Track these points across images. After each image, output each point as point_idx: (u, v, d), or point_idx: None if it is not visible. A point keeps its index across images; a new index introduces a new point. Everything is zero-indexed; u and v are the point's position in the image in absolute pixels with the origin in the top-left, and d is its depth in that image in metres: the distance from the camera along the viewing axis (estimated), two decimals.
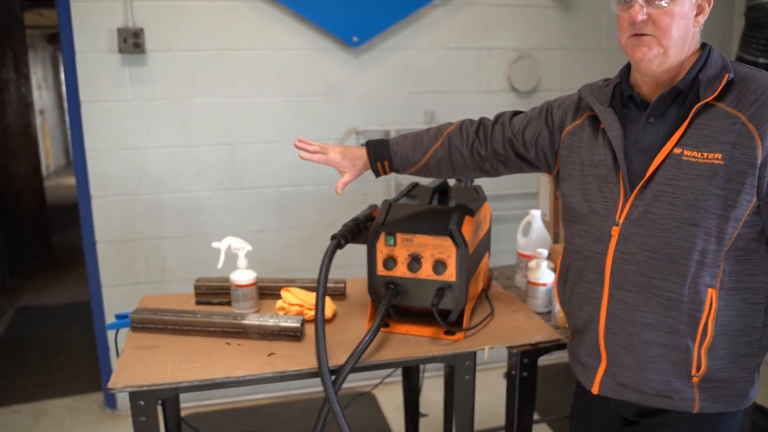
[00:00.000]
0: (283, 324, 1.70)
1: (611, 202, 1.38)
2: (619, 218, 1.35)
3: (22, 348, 3.85)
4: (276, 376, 1.57)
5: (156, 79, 2.77)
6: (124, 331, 1.81)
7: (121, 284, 2.93)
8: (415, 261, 1.69)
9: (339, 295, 1.99)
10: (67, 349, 3.80)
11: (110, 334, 2.90)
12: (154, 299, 2.00)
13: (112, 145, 2.79)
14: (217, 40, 2.80)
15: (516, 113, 1.69)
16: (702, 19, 1.30)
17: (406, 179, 3.14)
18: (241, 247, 1.88)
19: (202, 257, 2.98)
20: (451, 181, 2.12)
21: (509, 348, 1.72)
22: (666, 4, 1.26)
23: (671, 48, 1.28)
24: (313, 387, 3.20)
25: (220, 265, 1.87)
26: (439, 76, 3.09)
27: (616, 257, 1.36)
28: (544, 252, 1.97)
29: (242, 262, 1.88)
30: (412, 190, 1.98)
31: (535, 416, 2.90)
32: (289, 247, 3.05)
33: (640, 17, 1.27)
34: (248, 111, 2.90)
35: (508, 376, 1.79)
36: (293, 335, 1.69)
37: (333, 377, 1.54)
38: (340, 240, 1.74)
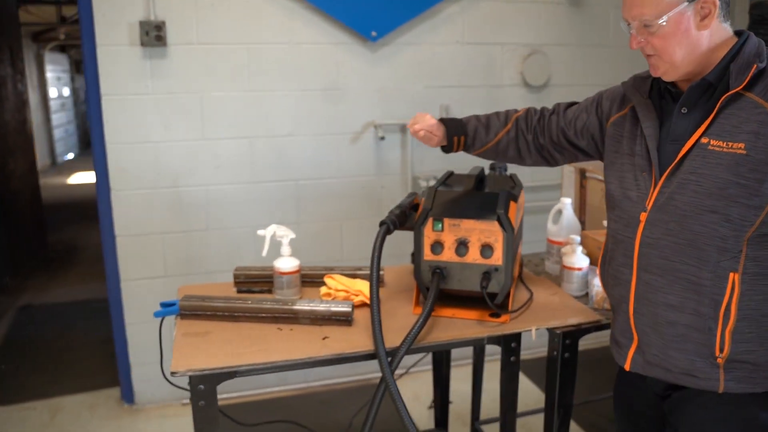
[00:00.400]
0: (334, 309, 1.73)
1: (643, 190, 1.43)
2: (648, 204, 1.41)
3: (28, 346, 3.82)
4: (334, 358, 1.60)
5: (176, 72, 2.77)
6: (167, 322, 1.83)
7: (139, 278, 2.92)
8: (462, 245, 1.73)
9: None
10: (76, 346, 3.78)
11: (144, 326, 2.90)
12: (194, 289, 2.00)
13: (131, 139, 2.79)
14: (237, 34, 2.81)
15: (572, 104, 1.76)
16: (710, 21, 1.29)
17: (424, 173, 3.19)
18: (285, 234, 1.91)
19: (222, 250, 2.99)
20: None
21: (553, 329, 1.77)
22: (655, 30, 1.30)
23: (678, 62, 1.33)
24: (335, 378, 3.23)
25: (264, 252, 1.90)
26: (453, 71, 3.14)
27: (643, 242, 1.42)
28: (577, 238, 2.02)
29: (286, 249, 1.91)
30: (448, 179, 2.01)
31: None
32: (308, 238, 3.07)
33: (636, 46, 1.36)
34: (267, 105, 2.92)
35: (549, 357, 1.84)
36: (344, 320, 1.72)
37: (389, 359, 1.58)
38: (389, 226, 1.77)
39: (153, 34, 2.68)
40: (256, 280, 2.01)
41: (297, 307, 1.73)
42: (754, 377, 1.36)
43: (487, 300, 1.70)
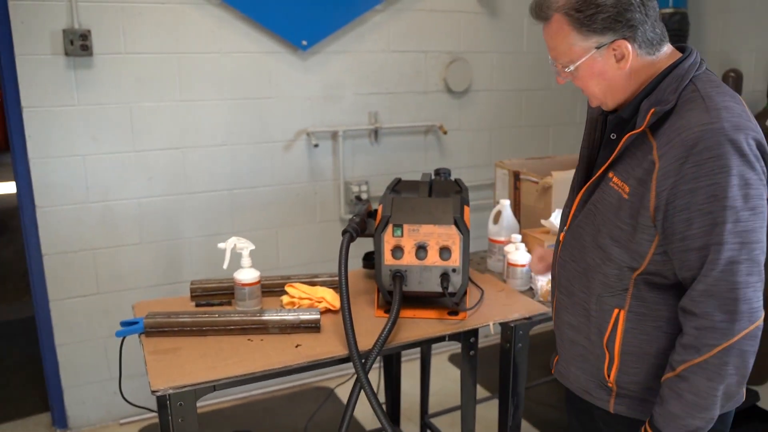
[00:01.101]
0: (303, 317, 1.77)
1: (568, 209, 1.47)
2: (566, 226, 1.46)
3: None
4: (310, 364, 1.65)
5: (103, 82, 2.69)
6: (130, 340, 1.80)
7: (69, 297, 2.81)
8: (422, 249, 1.82)
9: (335, 286, 2.08)
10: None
11: (107, 344, 2.79)
12: (150, 305, 1.98)
13: (57, 153, 2.68)
14: (167, 43, 2.77)
15: None
16: (626, 63, 1.26)
17: (355, 178, 3.26)
18: (246, 246, 1.92)
19: (157, 263, 2.93)
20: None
21: (506, 322, 1.90)
22: (569, 71, 1.30)
23: (601, 97, 1.33)
24: (273, 386, 3.23)
25: (225, 265, 1.90)
26: (381, 78, 3.23)
27: (558, 261, 1.49)
28: (518, 236, 2.17)
29: (246, 261, 1.92)
30: (397, 185, 2.10)
31: (485, 393, 3.13)
32: None
33: (561, 82, 1.38)
34: (198, 114, 2.89)
35: (503, 348, 1.97)
36: (313, 326, 1.77)
37: (363, 360, 1.65)
38: (352, 234, 1.83)
39: (78, 43, 2.58)
40: (215, 293, 2.02)
41: (266, 317, 1.76)
42: (642, 408, 1.37)
43: (448, 299, 1.80)
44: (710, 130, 1.16)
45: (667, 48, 1.30)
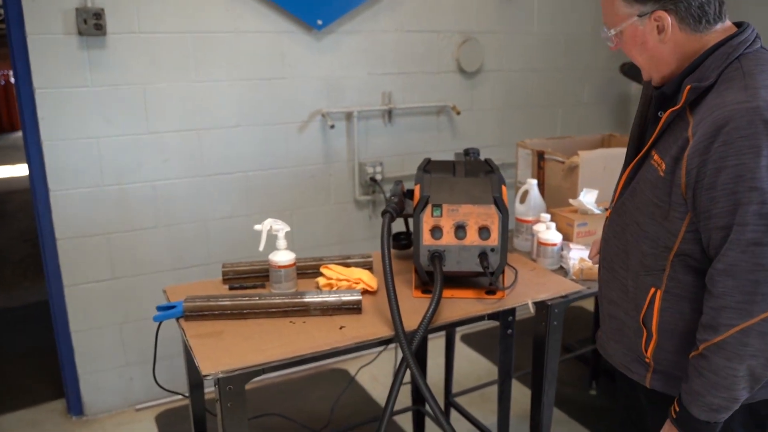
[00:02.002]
0: (344, 298, 1.76)
1: (617, 188, 1.48)
2: (613, 202, 1.48)
3: None
4: (356, 346, 1.64)
5: (117, 63, 2.63)
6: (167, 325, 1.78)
7: (84, 282, 2.77)
8: (461, 229, 1.81)
9: (369, 267, 2.07)
10: (8, 358, 3.50)
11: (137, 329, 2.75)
12: (181, 289, 1.95)
13: (70, 135, 2.62)
14: (181, 22, 2.71)
15: None
16: (666, 36, 1.26)
17: (369, 159, 3.24)
18: (282, 228, 1.90)
19: (174, 247, 2.89)
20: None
21: (544, 301, 1.90)
22: (611, 35, 1.34)
23: (645, 67, 1.35)
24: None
25: (261, 247, 1.88)
26: (394, 58, 3.20)
27: (604, 236, 1.52)
28: (548, 216, 2.17)
29: (282, 242, 1.90)
30: (428, 165, 2.08)
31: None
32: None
33: (612, 48, 1.39)
34: (213, 95, 2.84)
35: (537, 327, 1.97)
36: (355, 308, 1.76)
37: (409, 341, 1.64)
38: (392, 213, 1.82)
39: (91, 23, 2.52)
40: (247, 276, 1.99)
41: (308, 299, 1.75)
42: (678, 385, 1.34)
43: (489, 278, 1.80)
44: (743, 110, 1.14)
45: (723, 25, 1.27)
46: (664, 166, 1.26)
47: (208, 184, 2.91)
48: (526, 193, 2.30)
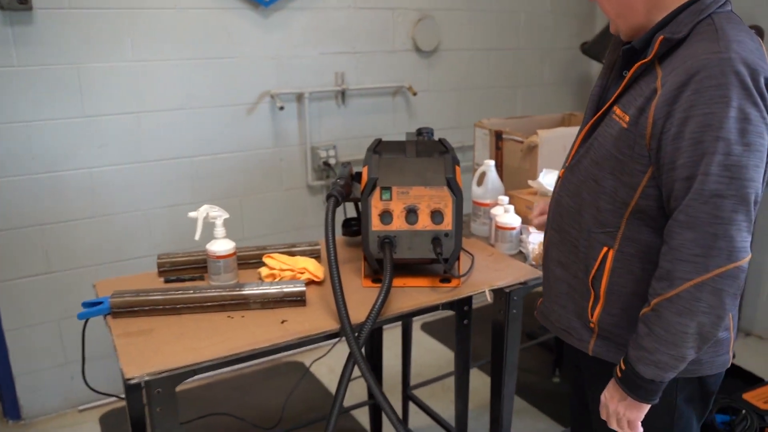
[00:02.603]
0: (287, 290, 1.63)
1: (571, 148, 1.45)
2: (567, 163, 1.43)
3: None
4: (301, 341, 1.52)
5: (46, 41, 2.44)
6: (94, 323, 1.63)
7: (16, 278, 2.58)
8: (412, 213, 1.70)
9: (315, 256, 1.94)
10: None
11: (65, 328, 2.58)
12: (114, 283, 1.80)
13: None
14: None
15: None
16: None
17: (322, 143, 3.11)
18: (219, 215, 1.76)
19: (113, 238, 2.72)
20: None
21: (502, 288, 1.80)
22: None
23: (616, 19, 1.31)
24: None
25: (197, 236, 1.74)
26: (348, 37, 3.06)
27: (554, 197, 1.47)
28: (506, 198, 2.07)
29: (220, 231, 1.76)
30: (378, 146, 1.96)
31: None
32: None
33: None
34: (153, 76, 2.67)
35: (496, 315, 1.88)
36: (299, 299, 1.63)
37: (356, 335, 1.53)
38: (337, 198, 1.70)
39: None
40: (184, 267, 1.85)
41: (247, 291, 1.62)
42: (620, 353, 1.33)
43: (443, 264, 1.69)
44: (716, 59, 1.12)
45: None
46: (627, 118, 1.23)
47: (149, 171, 2.74)
48: (483, 174, 2.19)
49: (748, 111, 1.10)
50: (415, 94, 3.24)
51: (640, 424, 1.29)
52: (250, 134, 2.92)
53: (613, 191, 1.27)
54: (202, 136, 2.81)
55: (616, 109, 1.27)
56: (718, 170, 1.11)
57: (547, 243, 1.49)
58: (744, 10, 3.29)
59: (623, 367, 1.26)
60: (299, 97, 2.99)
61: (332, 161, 3.08)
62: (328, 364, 3.01)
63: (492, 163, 2.18)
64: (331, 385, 2.95)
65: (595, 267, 1.33)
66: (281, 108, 2.89)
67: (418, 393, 2.61)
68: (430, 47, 3.27)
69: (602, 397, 1.33)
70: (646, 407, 1.27)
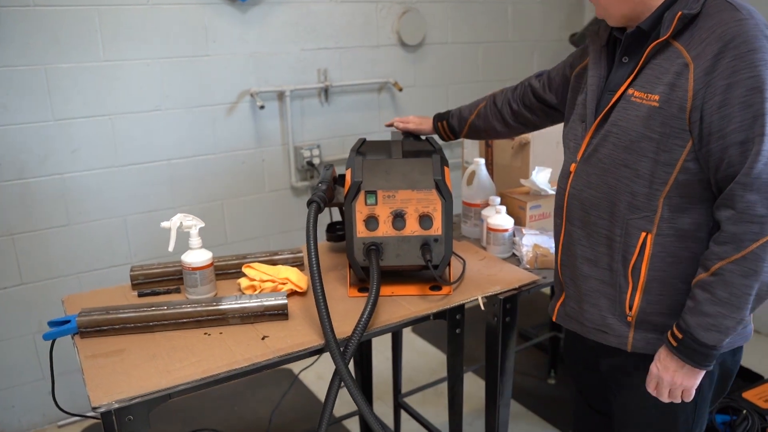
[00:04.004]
0: (267, 303, 1.53)
1: (579, 140, 1.41)
2: (578, 155, 1.39)
3: None
4: (282, 359, 1.42)
5: (11, 41, 2.31)
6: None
7: None
8: (399, 218, 1.60)
9: (298, 264, 1.84)
10: None
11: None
12: (84, 298, 1.70)
13: None
14: None
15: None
16: None
17: (305, 142, 3.01)
18: (194, 224, 1.65)
19: (89, 247, 2.60)
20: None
21: (496, 295, 1.71)
22: None
23: (606, 4, 1.30)
24: None
25: (171, 247, 1.63)
26: (330, 31, 2.95)
27: (570, 193, 1.42)
28: (497, 199, 1.98)
29: (195, 241, 1.66)
30: (362, 147, 1.86)
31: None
32: None
33: None
34: (126, 76, 2.55)
35: (489, 323, 1.78)
36: (280, 313, 1.53)
37: (342, 350, 1.43)
38: (319, 204, 1.59)
39: None
40: (159, 279, 1.74)
41: (225, 306, 1.51)
42: (661, 340, 1.32)
43: (433, 272, 1.60)
44: (747, 24, 1.15)
45: None
46: (657, 97, 1.23)
47: (125, 176, 2.62)
48: (473, 173, 2.10)
49: None
50: (400, 89, 3.14)
51: (694, 391, 1.29)
52: (230, 135, 2.82)
53: (650, 173, 1.26)
54: (179, 138, 2.70)
55: (635, 92, 1.27)
56: None
57: (567, 241, 1.44)
58: None
59: (679, 335, 1.24)
60: (280, 96, 2.88)
61: (316, 161, 2.98)
62: (316, 371, 2.92)
63: (482, 161, 2.09)
64: (321, 393, 2.86)
65: (635, 255, 1.31)
66: (262, 107, 2.78)
67: (410, 400, 2.52)
68: (416, 41, 3.17)
69: (653, 368, 1.31)
70: (702, 374, 1.27)
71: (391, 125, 2.00)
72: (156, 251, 2.71)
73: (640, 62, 1.27)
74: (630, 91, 1.28)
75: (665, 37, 1.23)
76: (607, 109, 1.33)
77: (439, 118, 1.94)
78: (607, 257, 1.36)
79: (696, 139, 1.20)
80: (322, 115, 3.02)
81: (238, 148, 2.85)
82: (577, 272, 1.42)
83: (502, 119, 1.80)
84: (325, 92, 2.99)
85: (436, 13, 3.22)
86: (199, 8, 2.62)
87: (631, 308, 1.34)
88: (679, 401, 1.31)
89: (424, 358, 3.16)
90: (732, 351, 1.38)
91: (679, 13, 1.21)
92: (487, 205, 2.01)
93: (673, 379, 1.28)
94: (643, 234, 1.30)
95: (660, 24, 1.26)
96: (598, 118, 1.34)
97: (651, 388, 1.33)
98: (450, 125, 1.91)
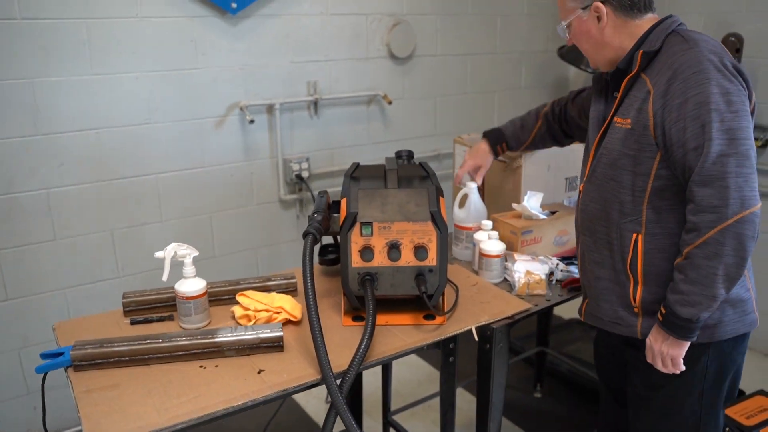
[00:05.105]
0: (263, 335, 1.53)
1: (585, 165, 1.68)
2: (584, 177, 1.66)
3: None
4: (280, 394, 1.42)
5: None
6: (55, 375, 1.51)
7: None
8: (395, 249, 1.61)
9: (292, 291, 1.84)
10: None
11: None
12: (76, 325, 1.68)
13: None
14: (72, 7, 2.36)
15: (582, 90, 1.96)
16: (604, 24, 1.51)
17: (294, 155, 3.00)
18: (188, 253, 1.64)
19: (77, 261, 2.58)
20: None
21: (489, 324, 1.73)
22: (564, 25, 1.59)
23: (591, 55, 1.61)
24: None
25: (165, 276, 1.62)
26: (320, 44, 2.94)
27: (580, 208, 1.68)
28: (489, 223, 1.99)
29: (190, 270, 1.65)
30: (355, 172, 1.86)
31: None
32: (175, 236, 2.75)
33: (569, 42, 1.64)
34: (115, 89, 2.52)
35: (481, 350, 1.79)
36: (276, 345, 1.54)
37: (338, 381, 1.44)
38: (315, 235, 1.60)
39: None
40: (152, 306, 1.74)
41: (220, 338, 1.51)
42: None
43: (427, 303, 1.61)
44: (691, 52, 1.40)
45: (653, 15, 1.54)
46: (629, 121, 1.48)
47: (112, 190, 2.59)
48: (465, 197, 2.11)
49: (726, 86, 1.36)
50: (390, 102, 3.14)
51: (681, 360, 1.48)
52: (219, 148, 2.80)
53: (631, 183, 1.50)
54: (167, 151, 2.68)
55: (617, 119, 1.53)
56: (718, 135, 1.34)
57: (582, 249, 1.69)
58: (721, 17, 3.27)
59: (663, 311, 1.46)
60: (270, 108, 2.87)
61: (305, 174, 2.97)
62: (312, 392, 2.91)
63: (474, 186, 2.10)
64: (313, 412, 2.85)
65: (630, 253, 1.53)
66: (251, 121, 2.76)
67: (400, 417, 2.53)
68: (405, 53, 3.17)
69: (647, 340, 1.52)
70: (686, 345, 1.47)
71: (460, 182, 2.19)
72: (145, 264, 2.69)
73: (620, 94, 1.54)
74: (615, 119, 1.54)
75: (633, 73, 1.49)
76: (599, 136, 1.61)
77: (496, 140, 2.08)
78: (610, 259, 1.59)
79: (663, 151, 1.43)
80: (312, 127, 3.01)
81: (226, 161, 2.83)
82: (591, 275, 1.66)
83: (560, 137, 2.04)
84: (315, 105, 2.98)
85: (425, 26, 3.22)
86: (189, 21, 2.60)
87: (635, 299, 1.56)
88: (671, 371, 1.51)
89: (413, 371, 3.17)
90: (733, 339, 1.56)
91: (641, 51, 1.48)
92: (479, 228, 2.03)
93: (661, 349, 1.49)
94: (634, 235, 1.52)
95: (632, 61, 1.51)
96: (595, 144, 1.62)
97: (649, 358, 1.54)
98: (510, 147, 2.09)
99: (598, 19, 1.52)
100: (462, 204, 2.11)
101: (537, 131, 2.03)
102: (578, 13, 1.54)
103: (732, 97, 1.36)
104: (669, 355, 1.48)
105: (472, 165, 2.10)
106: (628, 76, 1.50)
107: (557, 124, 2.00)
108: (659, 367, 1.52)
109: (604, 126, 1.58)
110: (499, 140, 2.07)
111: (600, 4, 1.50)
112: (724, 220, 1.34)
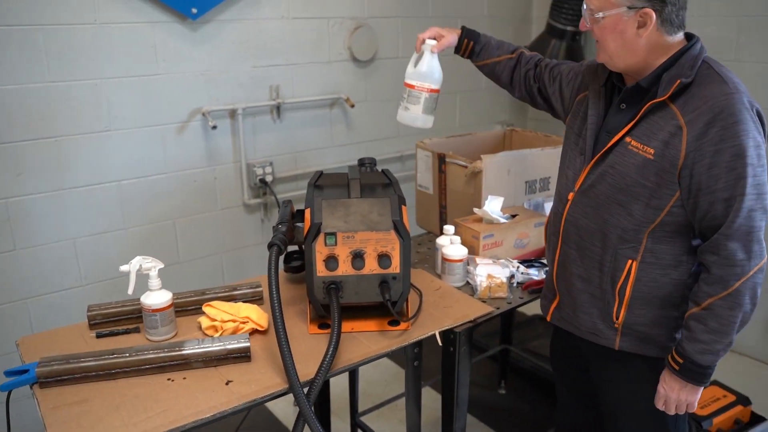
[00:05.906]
0: (231, 346, 1.55)
1: (577, 171, 1.61)
2: (576, 186, 1.60)
3: None
4: (249, 405, 1.44)
5: None
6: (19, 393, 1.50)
7: None
8: (358, 258, 1.64)
9: (258, 299, 1.86)
10: None
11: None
12: (39, 340, 1.67)
13: None
14: (28, 14, 2.33)
15: (568, 63, 1.86)
16: (645, 32, 1.39)
17: (257, 160, 3.00)
18: (153, 265, 1.65)
19: (39, 271, 2.54)
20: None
21: (453, 328, 1.77)
22: (597, 20, 1.44)
23: (613, 55, 1.47)
24: None
25: (130, 290, 1.63)
26: (282, 49, 2.95)
27: (567, 218, 1.63)
28: (451, 228, 2.04)
29: (155, 282, 1.65)
30: (318, 180, 1.89)
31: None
32: (139, 243, 2.73)
33: (582, 28, 1.52)
34: (73, 97, 2.49)
35: (445, 353, 1.84)
36: (244, 356, 1.56)
37: (306, 390, 1.47)
38: (279, 246, 1.62)
39: None
40: (118, 318, 1.73)
41: (188, 351, 1.52)
42: (644, 345, 1.58)
43: (391, 310, 1.64)
44: (733, 98, 1.35)
45: (682, 35, 1.46)
46: (652, 150, 1.42)
47: (73, 199, 2.56)
48: (422, 56, 1.96)
49: (758, 139, 1.36)
50: (352, 105, 3.16)
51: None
52: (182, 154, 2.79)
53: (641, 214, 1.47)
54: (129, 158, 2.66)
55: (632, 141, 1.46)
56: (751, 190, 1.35)
57: (563, 259, 1.66)
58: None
59: (680, 360, 1.47)
60: (232, 113, 2.87)
61: (269, 178, 2.98)
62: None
63: (432, 43, 1.94)
64: (282, 415, 2.87)
65: (622, 278, 1.53)
66: (214, 127, 2.76)
67: (367, 419, 2.57)
68: (367, 56, 3.20)
69: (660, 389, 1.54)
70: (701, 389, 1.50)
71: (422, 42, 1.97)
72: (107, 272, 2.67)
73: (639, 114, 1.45)
74: (628, 138, 1.47)
75: (663, 98, 1.41)
76: (605, 149, 1.52)
77: (468, 36, 1.97)
78: (597, 278, 1.58)
79: (684, 191, 1.41)
80: (275, 131, 3.02)
81: (189, 166, 2.82)
82: (572, 287, 1.64)
83: (518, 83, 1.92)
84: (278, 109, 2.99)
85: (387, 29, 3.25)
86: (148, 27, 2.58)
87: (617, 318, 1.57)
88: (682, 412, 1.55)
89: (380, 371, 3.21)
90: None
91: (678, 81, 1.39)
92: (429, 90, 1.97)
93: (678, 397, 1.51)
94: (630, 261, 1.52)
95: (658, 83, 1.44)
96: (596, 157, 1.54)
97: (659, 405, 1.55)
98: (473, 51, 1.98)
99: (640, 24, 1.40)
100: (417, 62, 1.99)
101: (506, 59, 1.93)
102: (621, 10, 1.39)
103: (761, 150, 1.36)
104: (686, 401, 1.51)
105: (436, 32, 1.94)
106: (653, 101, 1.42)
107: (524, 69, 1.90)
108: (671, 412, 1.55)
109: (612, 142, 1.50)
110: (471, 37, 1.96)
111: (651, 11, 1.38)
112: (747, 272, 1.38)
